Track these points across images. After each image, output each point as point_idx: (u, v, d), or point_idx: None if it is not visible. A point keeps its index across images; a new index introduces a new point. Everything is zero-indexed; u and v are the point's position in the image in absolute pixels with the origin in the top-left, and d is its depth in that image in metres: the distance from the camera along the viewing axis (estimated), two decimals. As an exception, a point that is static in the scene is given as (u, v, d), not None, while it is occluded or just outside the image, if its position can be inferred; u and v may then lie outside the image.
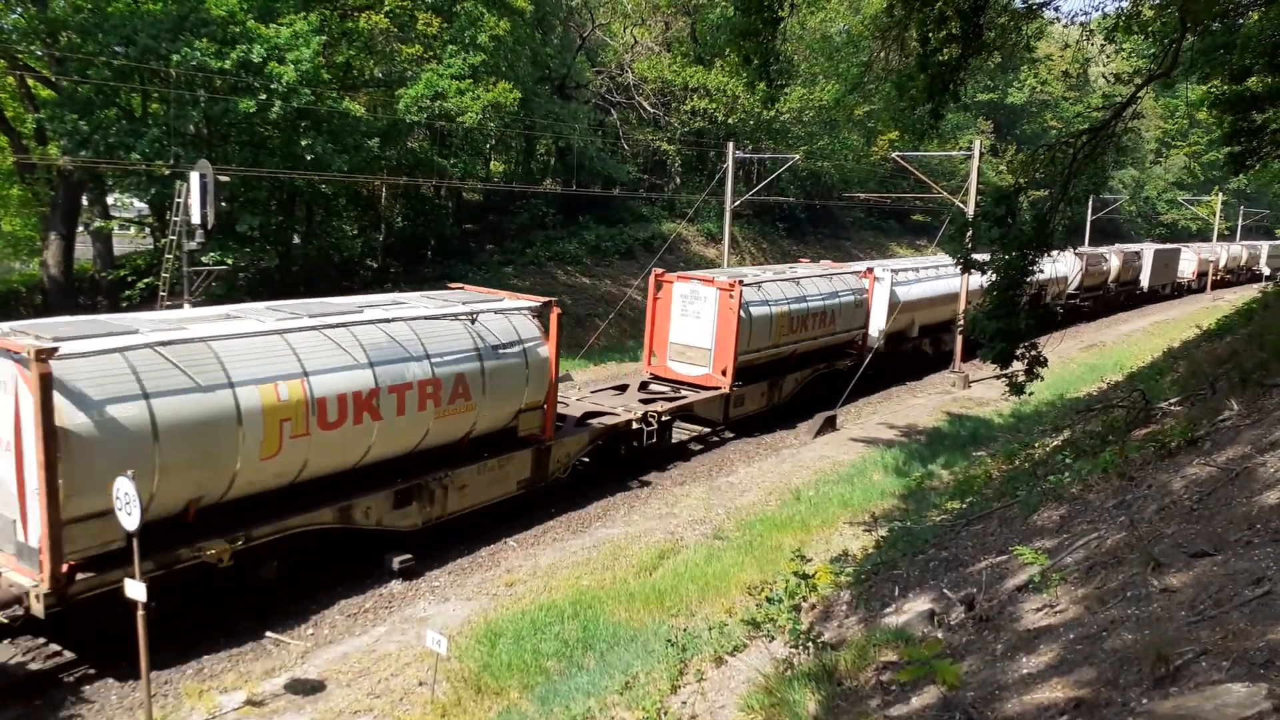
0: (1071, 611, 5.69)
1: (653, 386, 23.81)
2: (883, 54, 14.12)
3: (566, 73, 48.32)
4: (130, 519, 9.61)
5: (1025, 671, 4.92)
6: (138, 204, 31.90)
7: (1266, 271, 71.98)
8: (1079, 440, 13.59)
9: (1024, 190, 14.04)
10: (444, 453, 15.96)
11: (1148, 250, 57.20)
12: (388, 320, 14.92)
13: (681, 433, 23.49)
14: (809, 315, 26.34)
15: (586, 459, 20.11)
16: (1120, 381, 23.29)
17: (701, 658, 8.63)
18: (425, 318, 15.60)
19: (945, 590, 7.29)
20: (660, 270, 24.77)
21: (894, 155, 43.04)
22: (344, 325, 14.19)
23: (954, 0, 12.20)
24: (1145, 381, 18.17)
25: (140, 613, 9.72)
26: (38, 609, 10.73)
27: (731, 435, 24.45)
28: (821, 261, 33.32)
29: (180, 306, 21.56)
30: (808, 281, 26.92)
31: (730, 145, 34.72)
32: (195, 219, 20.36)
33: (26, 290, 30.23)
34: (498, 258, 42.05)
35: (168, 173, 24.91)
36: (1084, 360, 34.98)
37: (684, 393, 22.93)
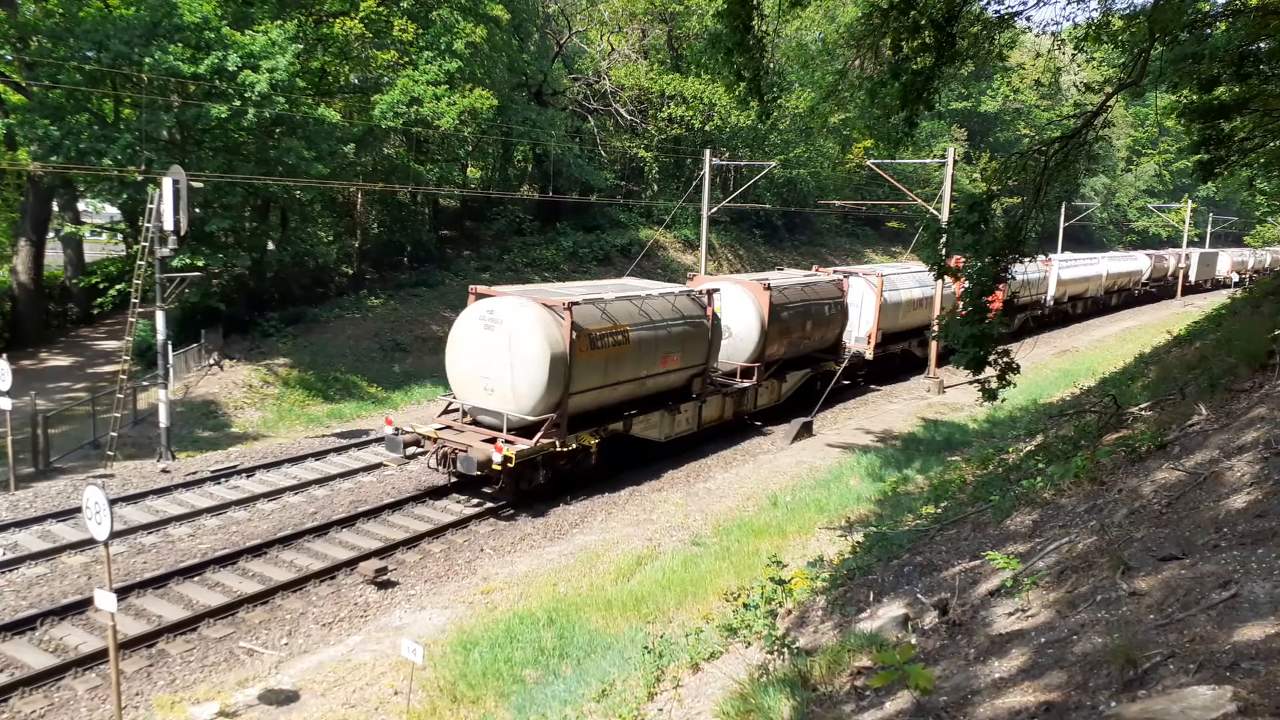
0: (1043, 615, 5.73)
1: None
2: (858, 62, 14.21)
3: (543, 79, 48.31)
4: (101, 529, 9.49)
5: (997, 675, 4.96)
6: (109, 210, 31.62)
7: (1235, 278, 73.15)
8: (1051, 445, 13.71)
9: (997, 197, 14.13)
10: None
11: (1194, 253, 72.16)
12: (913, 271, 34.49)
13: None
14: (1028, 283, 42.80)
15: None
16: (1093, 387, 23.55)
17: (678, 665, 8.62)
18: (922, 270, 33.07)
19: (919, 595, 7.33)
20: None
21: (869, 163, 43.39)
22: (909, 272, 34.61)
23: (928, 9, 12.30)
24: (1117, 386, 18.37)
25: (111, 624, 9.60)
26: (869, 358, 31.71)
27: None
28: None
29: (153, 314, 21.36)
30: (1025, 265, 43.20)
31: (707, 152, 34.84)
32: (168, 225, 20.15)
33: (-5, 297, 29.89)
34: (475, 264, 41.97)
35: (140, 178, 24.67)
36: (1058, 366, 35.31)
37: None
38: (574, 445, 18.94)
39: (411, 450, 19.15)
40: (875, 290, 31.52)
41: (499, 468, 17.48)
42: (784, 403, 27.55)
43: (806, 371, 28.39)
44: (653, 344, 20.74)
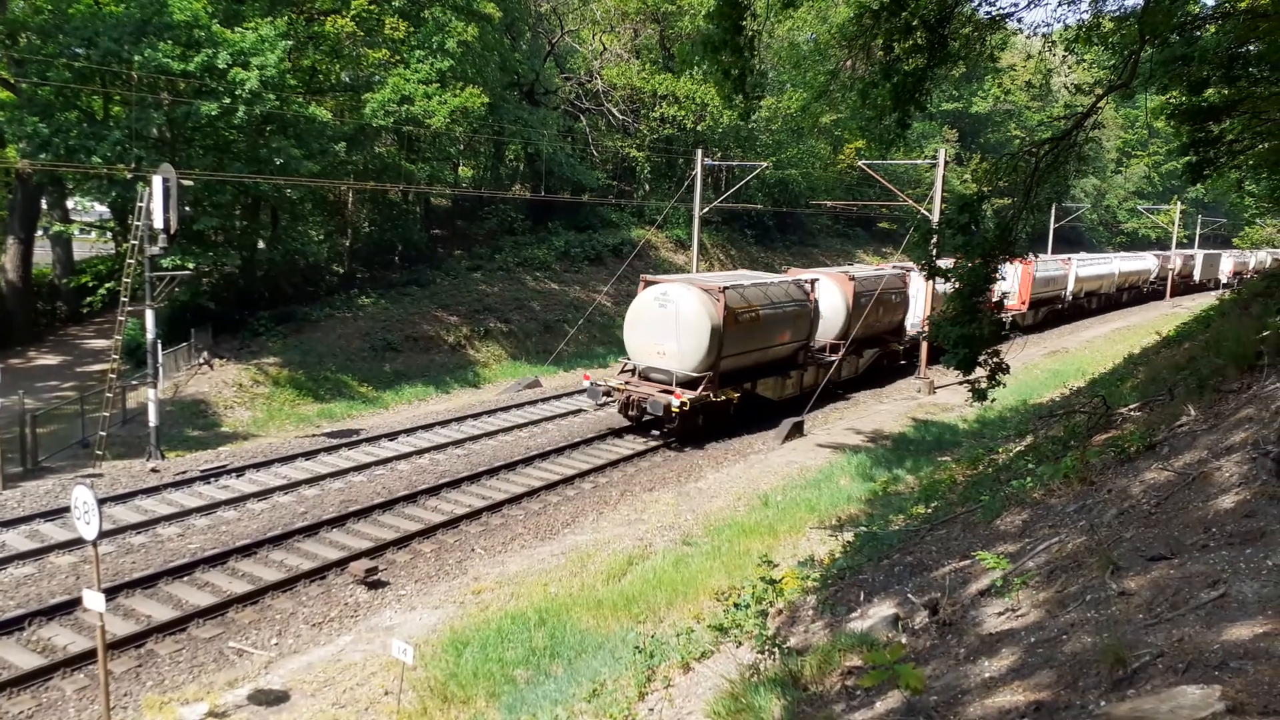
0: (1032, 615, 5.75)
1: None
2: (849, 62, 14.22)
3: (535, 79, 48.23)
4: (89, 529, 9.43)
5: (987, 675, 4.97)
6: (98, 208, 31.45)
7: (1224, 279, 73.59)
8: (1041, 445, 13.75)
9: (987, 198, 14.18)
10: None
11: (1199, 254, 76.04)
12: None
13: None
14: (1050, 279, 49.87)
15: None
16: (1082, 387, 23.65)
17: (669, 664, 8.62)
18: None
19: (909, 595, 7.35)
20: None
21: (860, 163, 43.47)
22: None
23: (919, 10, 12.33)
24: (1106, 387, 18.45)
25: (99, 624, 9.55)
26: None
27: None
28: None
29: (142, 312, 21.27)
30: (1047, 264, 49.87)
31: (699, 153, 34.85)
32: (158, 223, 20.05)
33: (-17, 295, 29.66)
34: (466, 263, 41.87)
35: (129, 176, 24.54)
36: (1048, 366, 35.43)
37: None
38: (723, 397, 24.46)
39: (603, 400, 24.80)
40: (929, 283, 33.67)
41: (676, 411, 22.82)
42: (860, 375, 32.75)
43: (876, 350, 33.31)
44: (774, 321, 26.29)
